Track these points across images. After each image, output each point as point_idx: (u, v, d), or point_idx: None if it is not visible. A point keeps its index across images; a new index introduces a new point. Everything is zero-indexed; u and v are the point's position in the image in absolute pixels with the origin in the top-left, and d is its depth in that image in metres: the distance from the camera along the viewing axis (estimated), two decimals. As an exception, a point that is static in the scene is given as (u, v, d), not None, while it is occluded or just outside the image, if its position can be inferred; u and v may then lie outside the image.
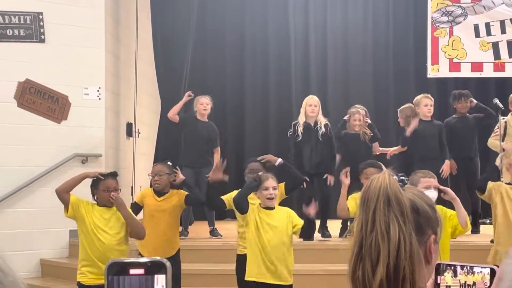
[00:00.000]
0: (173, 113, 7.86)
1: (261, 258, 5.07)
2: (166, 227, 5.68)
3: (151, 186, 5.94)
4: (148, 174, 5.98)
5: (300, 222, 5.21)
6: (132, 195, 8.29)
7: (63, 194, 5.16)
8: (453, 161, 7.82)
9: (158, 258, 0.85)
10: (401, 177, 1.55)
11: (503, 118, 7.52)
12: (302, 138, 7.54)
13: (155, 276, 0.83)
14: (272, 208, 5.19)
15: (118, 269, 0.83)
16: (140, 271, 0.83)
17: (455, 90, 8.53)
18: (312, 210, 5.39)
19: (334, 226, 7.50)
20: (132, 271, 0.83)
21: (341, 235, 7.19)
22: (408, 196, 1.49)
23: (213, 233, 7.77)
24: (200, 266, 6.65)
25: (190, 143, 7.81)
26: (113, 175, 5.27)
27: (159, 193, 5.75)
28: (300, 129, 7.55)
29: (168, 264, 0.83)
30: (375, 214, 1.45)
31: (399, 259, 1.40)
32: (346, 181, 5.43)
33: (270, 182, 5.16)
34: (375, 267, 1.41)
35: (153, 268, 0.83)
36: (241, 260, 5.42)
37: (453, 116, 8.15)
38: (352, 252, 1.48)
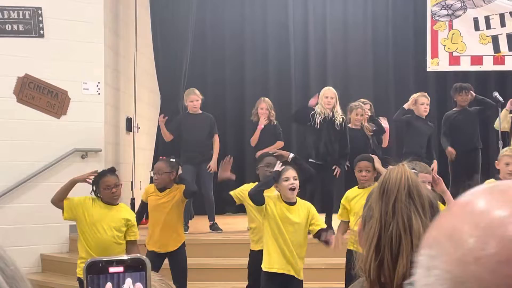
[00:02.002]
0: (167, 137, 7.90)
1: (281, 251, 5.01)
2: (169, 221, 5.74)
3: (151, 181, 5.99)
4: (150, 171, 6.03)
5: (320, 224, 5.11)
6: (132, 189, 8.30)
7: (57, 203, 5.24)
8: (452, 148, 7.82)
9: (138, 255, 0.85)
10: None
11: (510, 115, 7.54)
12: (317, 128, 7.52)
13: (135, 273, 0.83)
14: (293, 203, 5.07)
15: (97, 268, 0.83)
16: (120, 269, 0.83)
17: (455, 83, 8.54)
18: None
19: (336, 221, 7.49)
20: (112, 269, 0.83)
21: None
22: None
23: (213, 227, 7.79)
24: (200, 261, 6.66)
25: (188, 140, 7.82)
26: (112, 171, 5.29)
27: (161, 189, 5.81)
28: (319, 119, 7.51)
29: (147, 261, 0.84)
30: (396, 205, 1.44)
31: None
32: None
33: (291, 172, 5.02)
34: (396, 259, 1.41)
35: (133, 265, 0.83)
36: (255, 256, 5.40)
37: (453, 109, 8.17)
38: (370, 243, 1.46)
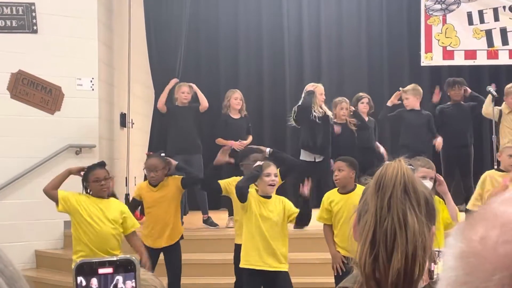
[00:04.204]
0: (162, 103, 7.89)
1: (260, 246, 5.10)
2: (167, 215, 5.78)
3: (145, 179, 5.99)
4: (143, 169, 6.02)
5: (295, 211, 5.23)
6: (126, 185, 8.29)
7: (50, 191, 5.23)
8: (441, 137, 7.86)
9: (127, 256, 0.86)
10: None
11: (498, 108, 7.56)
12: (317, 124, 7.55)
13: (124, 274, 0.84)
14: (269, 197, 5.19)
15: (87, 269, 0.83)
16: (109, 270, 0.84)
17: (449, 78, 8.56)
18: (306, 189, 5.30)
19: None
20: (101, 270, 0.83)
21: None
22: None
23: (208, 222, 7.78)
24: (194, 256, 6.66)
25: (177, 131, 7.81)
26: (101, 164, 5.30)
27: (154, 184, 5.82)
28: (317, 116, 7.56)
29: (137, 261, 0.84)
30: (391, 201, 1.44)
31: (416, 248, 1.40)
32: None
33: (272, 168, 5.17)
34: (390, 254, 1.41)
35: (122, 266, 0.84)
36: (239, 250, 5.42)
37: (447, 103, 8.19)
38: (365, 237, 1.46)
